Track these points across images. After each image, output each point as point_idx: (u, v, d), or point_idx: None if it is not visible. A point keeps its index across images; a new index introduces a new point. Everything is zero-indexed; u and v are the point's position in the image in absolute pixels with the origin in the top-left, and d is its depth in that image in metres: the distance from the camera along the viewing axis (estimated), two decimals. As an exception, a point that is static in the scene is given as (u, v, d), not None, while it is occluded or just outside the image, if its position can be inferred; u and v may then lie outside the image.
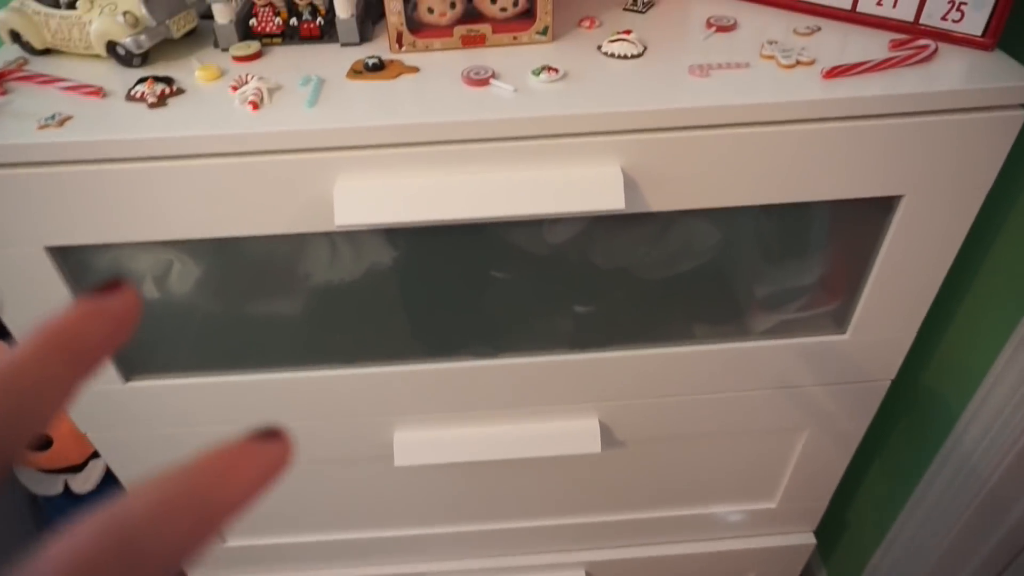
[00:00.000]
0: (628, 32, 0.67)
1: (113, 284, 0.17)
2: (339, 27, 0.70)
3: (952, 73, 0.63)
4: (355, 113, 0.60)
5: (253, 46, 0.69)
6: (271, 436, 0.16)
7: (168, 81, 0.65)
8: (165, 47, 0.69)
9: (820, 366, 0.84)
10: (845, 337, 0.81)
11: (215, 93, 0.63)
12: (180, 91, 0.64)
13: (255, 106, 0.60)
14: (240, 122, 0.59)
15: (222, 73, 0.66)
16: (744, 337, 0.81)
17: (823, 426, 0.93)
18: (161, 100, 0.62)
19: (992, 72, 0.62)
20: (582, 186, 0.62)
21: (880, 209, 0.70)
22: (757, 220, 0.72)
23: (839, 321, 0.80)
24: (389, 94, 0.63)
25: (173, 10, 0.69)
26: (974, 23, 0.65)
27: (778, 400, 0.88)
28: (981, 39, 0.65)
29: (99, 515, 0.14)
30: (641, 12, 0.75)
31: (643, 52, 0.67)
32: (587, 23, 0.73)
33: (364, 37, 0.71)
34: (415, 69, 0.66)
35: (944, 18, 0.66)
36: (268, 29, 0.70)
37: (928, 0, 0.66)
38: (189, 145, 0.59)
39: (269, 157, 0.60)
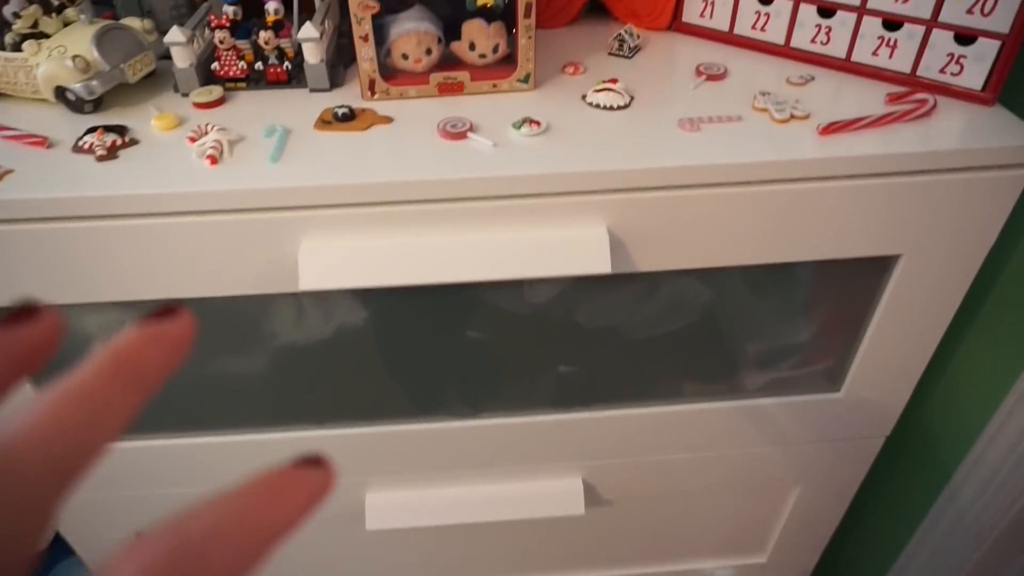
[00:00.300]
0: (614, 81, 0.64)
1: (170, 309, 0.17)
2: (308, 72, 0.65)
3: (952, 130, 0.60)
4: (322, 169, 0.56)
5: (215, 91, 0.64)
6: (315, 463, 0.16)
7: (120, 130, 0.60)
8: (121, 91, 0.65)
9: (813, 424, 0.80)
10: (839, 395, 0.77)
11: (171, 144, 0.59)
12: (133, 141, 0.59)
13: (213, 160, 0.56)
14: (195, 179, 0.55)
15: (180, 122, 0.62)
16: (735, 395, 0.77)
17: (815, 482, 0.89)
18: (111, 152, 0.58)
19: (994, 130, 0.59)
20: (565, 248, 0.58)
21: (878, 268, 0.67)
22: (749, 278, 0.69)
23: (833, 379, 0.77)
24: (359, 147, 0.58)
25: (129, 53, 0.64)
26: (974, 77, 0.62)
27: (770, 457, 0.84)
28: (981, 94, 0.63)
29: (160, 534, 0.14)
30: (627, 57, 0.72)
31: (630, 103, 0.63)
32: (571, 69, 0.69)
33: (335, 82, 0.67)
34: (388, 119, 0.62)
35: (943, 71, 0.64)
36: (232, 73, 0.66)
37: (926, 52, 0.64)
38: (137, 204, 0.54)
39: (227, 216, 0.55)
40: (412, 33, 0.63)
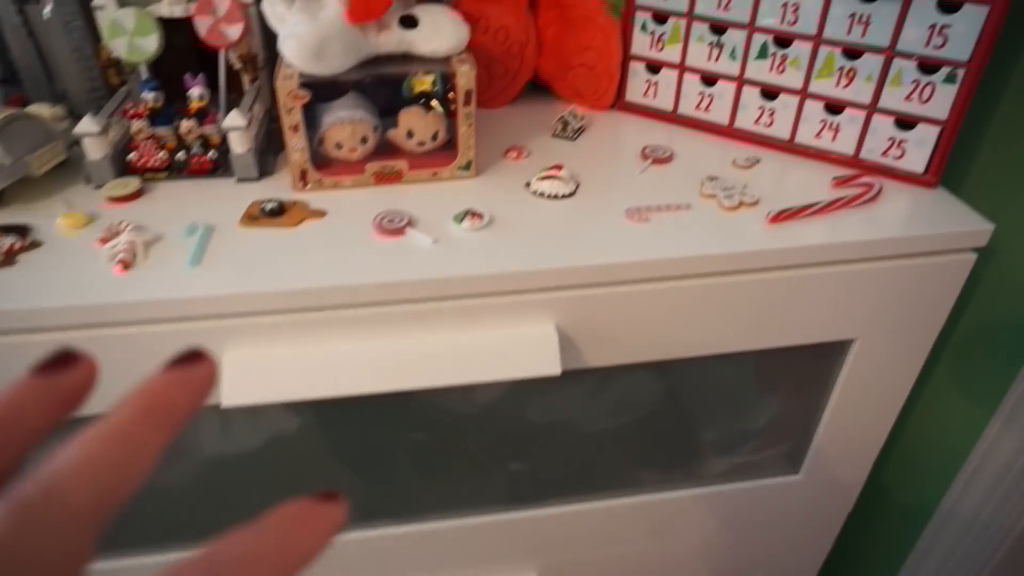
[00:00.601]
0: (558, 167, 0.62)
1: (195, 355, 0.18)
2: (235, 162, 0.61)
3: (898, 216, 0.59)
4: (246, 274, 0.51)
5: (131, 184, 0.60)
6: (330, 498, 0.18)
7: (21, 231, 0.55)
8: (25, 185, 0.59)
9: (774, 507, 0.78)
10: (799, 477, 0.75)
11: (78, 247, 0.54)
12: (35, 244, 0.54)
13: (125, 266, 0.51)
14: (102, 288, 0.49)
15: (90, 220, 0.57)
16: (694, 483, 0.74)
17: (777, 564, 0.86)
18: (9, 257, 0.52)
19: (938, 215, 0.59)
20: (512, 350, 0.54)
21: (832, 351, 0.65)
22: (703, 366, 0.66)
23: (793, 461, 0.75)
24: (289, 247, 0.54)
25: (35, 143, 0.59)
26: (916, 160, 0.62)
27: (731, 542, 0.81)
28: (924, 177, 0.63)
29: (195, 561, 0.16)
30: (571, 139, 0.70)
31: (575, 190, 0.61)
32: (514, 153, 0.67)
33: (264, 171, 0.63)
34: (320, 213, 0.58)
35: (885, 154, 0.64)
36: (151, 164, 0.61)
37: (868, 136, 0.64)
38: (34, 318, 0.48)
39: (139, 328, 0.50)
40: (346, 122, 0.59)
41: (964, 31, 0.56)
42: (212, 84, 0.63)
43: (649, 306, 0.57)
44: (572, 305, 0.55)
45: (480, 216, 0.57)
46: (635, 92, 0.74)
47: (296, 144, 0.58)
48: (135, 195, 0.59)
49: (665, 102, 0.72)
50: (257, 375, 0.52)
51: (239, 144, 0.60)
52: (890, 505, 0.90)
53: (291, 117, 0.57)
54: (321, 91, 0.58)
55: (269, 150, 0.65)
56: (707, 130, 0.71)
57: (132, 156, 0.61)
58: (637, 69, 0.72)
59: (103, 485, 0.16)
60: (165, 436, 0.17)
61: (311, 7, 0.57)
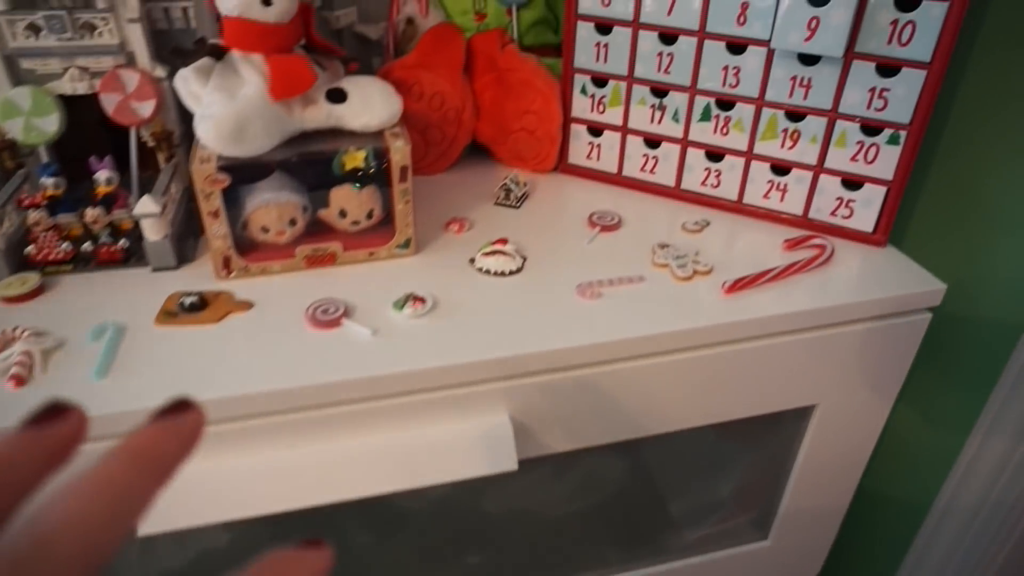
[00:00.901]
0: (503, 242, 0.59)
1: (182, 404, 0.19)
2: (149, 250, 0.56)
3: (853, 280, 0.58)
4: (161, 383, 0.46)
5: (30, 281, 0.54)
6: (314, 545, 0.18)
7: None
8: (-96, 287, 0.53)
9: (744, 575, 0.75)
10: (767, 543, 0.72)
11: (-35, 361, 0.47)
12: (-87, 360, 0.47)
13: (18, 382, 0.45)
14: (-8, 413, 0.43)
15: (-20, 326, 0.50)
16: (662, 558, 0.70)
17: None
18: None
19: (893, 278, 0.58)
20: (464, 448, 0.50)
21: (795, 417, 0.63)
22: (666, 440, 0.63)
23: (761, 527, 0.72)
24: (211, 346, 0.49)
25: (-85, 241, 0.53)
26: (864, 220, 0.62)
27: (702, 613, 0.77)
28: (873, 236, 0.62)
29: None
30: (515, 207, 0.67)
31: (523, 266, 0.58)
32: (456, 226, 0.63)
33: (184, 257, 0.58)
34: (247, 305, 0.53)
35: (833, 213, 0.63)
36: (52, 256, 0.55)
37: (815, 196, 0.63)
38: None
39: (38, 454, 0.44)
40: (272, 204, 0.55)
41: (904, 94, 0.55)
42: (124, 163, 0.58)
43: (607, 387, 0.53)
44: (526, 392, 0.51)
45: (422, 300, 0.53)
46: (578, 155, 0.71)
47: (217, 230, 0.54)
48: (34, 293, 0.53)
49: (609, 164, 0.70)
50: (177, 496, 0.46)
51: (153, 231, 0.55)
52: (859, 554, 0.88)
53: (210, 203, 0.52)
54: (243, 172, 0.54)
55: (189, 233, 0.60)
56: (654, 192, 0.69)
57: (30, 249, 0.55)
58: (579, 132, 0.70)
59: (92, 537, 0.15)
60: (155, 486, 0.17)
61: (229, 84, 0.53)
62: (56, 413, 0.17)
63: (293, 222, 0.56)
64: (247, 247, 0.56)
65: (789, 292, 0.56)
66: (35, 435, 0.17)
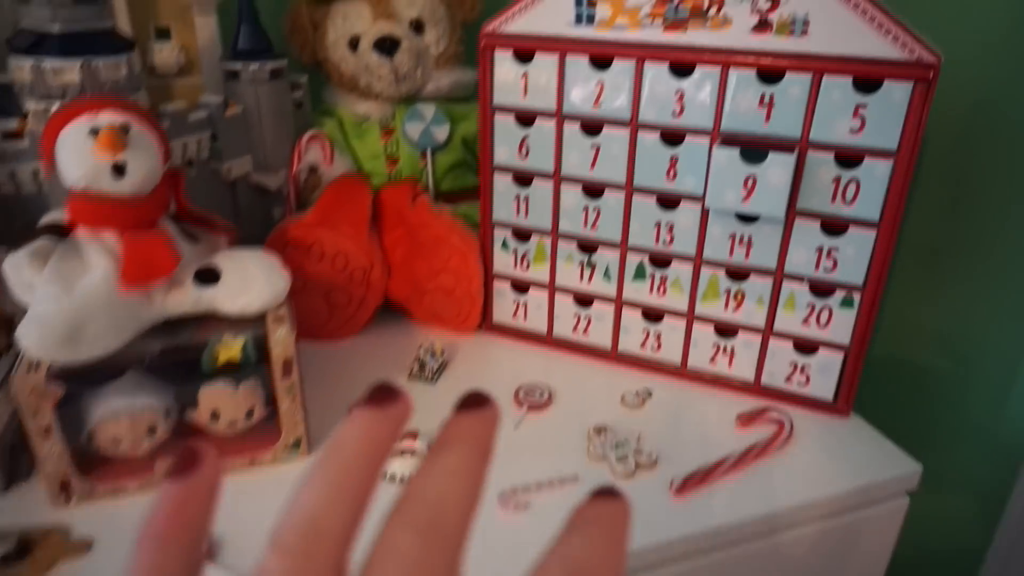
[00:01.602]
0: (414, 437, 0.49)
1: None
2: (-35, 475, 0.45)
3: (820, 466, 0.50)
4: None
5: None
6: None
7: None
8: None
9: None
10: None
11: None
12: None
13: None
14: None
15: None
16: None
17: None
18: None
19: (864, 460, 0.51)
20: None
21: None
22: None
23: None
24: (22, 620, 0.38)
25: None
26: (823, 387, 0.55)
27: None
28: (834, 405, 0.55)
29: None
30: (430, 381, 0.58)
31: (436, 466, 0.49)
32: (360, 412, 0.54)
33: (14, 477, 0.47)
34: (85, 545, 0.42)
35: (788, 380, 0.56)
36: None
37: (767, 361, 0.56)
38: None
39: None
40: (123, 415, 0.45)
41: (854, 254, 0.50)
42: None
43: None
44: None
45: (308, 529, 0.42)
46: (503, 313, 0.64)
47: (49, 450, 0.43)
48: None
49: (538, 324, 0.63)
50: None
51: (-29, 452, 0.44)
52: None
53: (39, 419, 0.42)
54: (85, 376, 0.44)
55: (19, 450, 0.49)
56: (589, 354, 0.61)
57: None
58: (503, 289, 0.63)
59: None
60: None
61: (68, 270, 0.44)
62: (390, 392, 0.17)
63: (152, 431, 0.46)
64: (95, 461, 0.46)
65: (748, 488, 0.48)
66: (381, 412, 0.16)
